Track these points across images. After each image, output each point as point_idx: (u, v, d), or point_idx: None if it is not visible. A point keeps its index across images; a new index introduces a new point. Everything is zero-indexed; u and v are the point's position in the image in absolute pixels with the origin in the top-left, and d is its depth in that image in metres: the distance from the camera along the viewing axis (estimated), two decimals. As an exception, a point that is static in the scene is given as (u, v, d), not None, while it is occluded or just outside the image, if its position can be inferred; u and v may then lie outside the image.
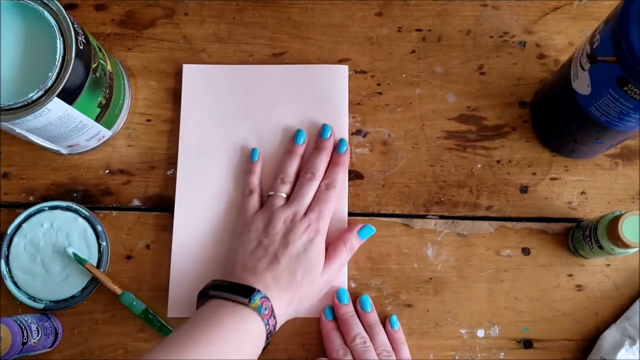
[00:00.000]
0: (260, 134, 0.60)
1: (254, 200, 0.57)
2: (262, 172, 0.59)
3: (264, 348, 0.50)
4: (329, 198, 0.56)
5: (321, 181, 0.57)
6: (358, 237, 0.56)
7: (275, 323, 0.50)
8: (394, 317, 0.56)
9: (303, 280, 0.52)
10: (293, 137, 0.59)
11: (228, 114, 0.60)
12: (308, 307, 0.56)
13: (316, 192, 0.57)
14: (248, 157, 0.59)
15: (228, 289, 0.49)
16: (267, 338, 0.49)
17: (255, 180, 0.58)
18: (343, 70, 0.61)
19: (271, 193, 0.57)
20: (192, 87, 0.61)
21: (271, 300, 0.49)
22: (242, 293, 0.49)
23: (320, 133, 0.59)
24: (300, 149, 0.58)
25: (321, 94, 0.60)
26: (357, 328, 0.55)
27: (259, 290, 0.49)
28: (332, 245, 0.56)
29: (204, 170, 0.59)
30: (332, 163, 0.58)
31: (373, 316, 0.56)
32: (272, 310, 0.49)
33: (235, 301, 0.48)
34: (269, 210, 0.55)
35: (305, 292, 0.53)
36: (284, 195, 0.56)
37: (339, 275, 0.57)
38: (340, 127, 0.60)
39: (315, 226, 0.54)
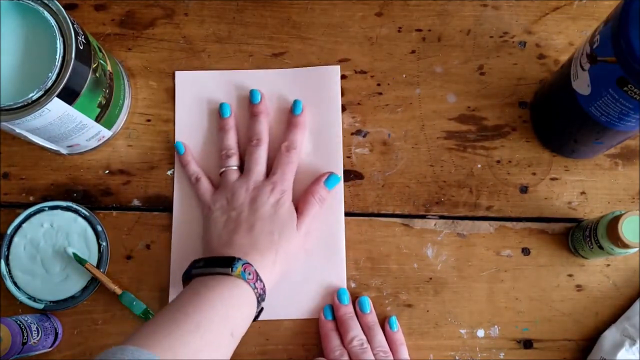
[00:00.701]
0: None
1: (205, 183, 0.57)
2: (198, 159, 0.59)
3: (259, 313, 0.50)
4: (290, 159, 0.56)
5: (280, 144, 0.57)
6: (325, 187, 0.57)
7: (264, 286, 0.50)
8: (393, 318, 0.56)
9: (281, 239, 0.53)
10: (219, 113, 0.59)
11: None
12: (294, 261, 0.56)
13: (277, 155, 0.57)
14: (177, 152, 0.59)
15: (209, 264, 0.50)
16: (259, 302, 0.49)
17: (193, 167, 0.58)
18: (335, 70, 0.61)
19: (222, 170, 0.57)
20: (185, 93, 0.61)
21: (254, 265, 0.50)
22: (223, 264, 0.49)
23: (251, 99, 0.59)
24: (230, 121, 0.59)
25: (314, 95, 0.60)
26: (356, 330, 0.55)
27: (239, 258, 0.49)
28: (301, 199, 0.56)
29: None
30: (290, 125, 0.58)
31: (372, 318, 0.56)
32: (257, 274, 0.49)
33: (218, 273, 0.48)
34: (227, 185, 0.56)
35: (286, 249, 0.53)
36: (235, 167, 0.57)
37: (338, 273, 0.57)
38: (335, 126, 0.60)
39: (280, 187, 0.55)
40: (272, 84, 0.61)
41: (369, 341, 0.54)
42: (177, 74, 0.61)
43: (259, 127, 0.58)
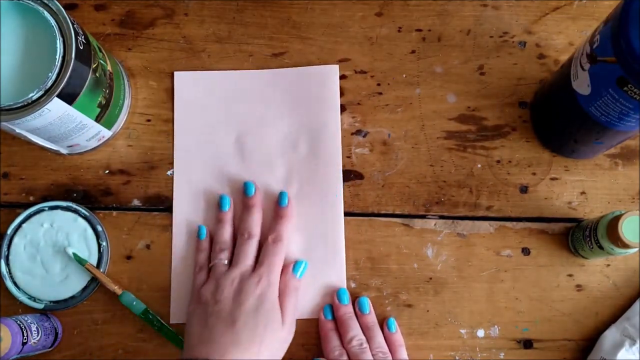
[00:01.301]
0: (252, 136, 0.60)
1: (202, 275, 0.56)
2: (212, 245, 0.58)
3: None
4: (277, 251, 0.55)
5: (268, 235, 0.56)
6: (295, 276, 0.56)
7: None
8: (392, 320, 0.56)
9: (266, 332, 0.51)
10: (218, 205, 0.58)
11: (220, 119, 0.60)
12: (279, 356, 0.53)
13: (264, 247, 0.56)
14: (197, 236, 0.58)
15: None
16: None
17: (203, 257, 0.57)
18: (333, 70, 0.61)
19: (213, 263, 0.56)
20: (184, 93, 0.61)
21: None
22: None
23: (245, 191, 0.58)
24: (228, 215, 0.58)
25: (312, 95, 0.60)
26: (355, 330, 0.55)
27: None
28: (279, 292, 0.55)
29: (200, 172, 0.59)
30: (276, 216, 0.57)
31: (371, 318, 0.56)
32: None
33: None
34: (214, 279, 0.55)
35: (271, 342, 0.51)
36: (225, 262, 0.56)
37: (338, 273, 0.57)
38: (333, 126, 0.60)
39: (267, 279, 0.54)
40: (271, 84, 0.61)
41: (368, 341, 0.54)
42: (176, 74, 0.61)
43: (251, 221, 0.57)
